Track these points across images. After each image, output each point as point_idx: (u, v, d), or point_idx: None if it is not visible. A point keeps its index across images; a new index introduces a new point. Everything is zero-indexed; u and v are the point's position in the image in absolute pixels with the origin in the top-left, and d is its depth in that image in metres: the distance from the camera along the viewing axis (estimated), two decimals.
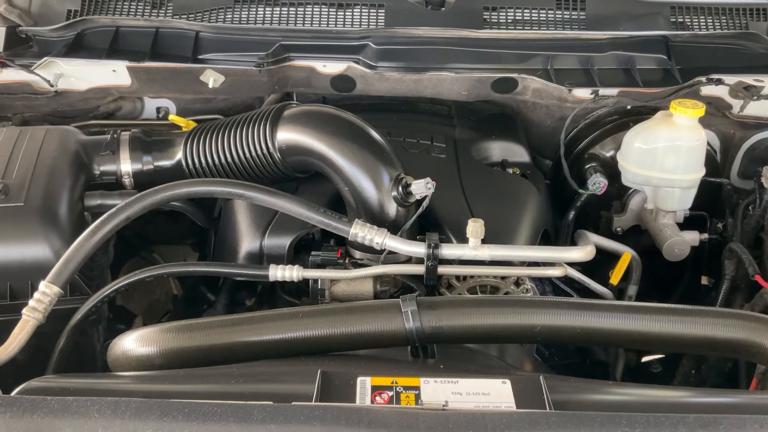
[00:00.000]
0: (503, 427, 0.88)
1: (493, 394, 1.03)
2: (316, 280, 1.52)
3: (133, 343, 1.19)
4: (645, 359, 2.03)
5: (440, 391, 1.03)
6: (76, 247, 1.33)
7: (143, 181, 1.68)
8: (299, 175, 1.66)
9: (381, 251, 1.50)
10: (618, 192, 1.98)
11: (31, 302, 1.26)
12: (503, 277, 1.58)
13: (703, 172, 1.84)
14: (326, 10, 1.97)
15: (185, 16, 1.96)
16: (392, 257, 1.53)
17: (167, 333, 1.18)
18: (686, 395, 1.12)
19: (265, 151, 1.59)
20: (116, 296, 1.65)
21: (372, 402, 1.00)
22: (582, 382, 1.12)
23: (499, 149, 1.97)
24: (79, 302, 1.39)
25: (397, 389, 1.03)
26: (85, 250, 1.33)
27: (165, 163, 1.69)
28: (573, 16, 1.99)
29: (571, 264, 1.59)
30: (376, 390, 1.02)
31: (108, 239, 1.43)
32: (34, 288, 1.29)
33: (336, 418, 0.89)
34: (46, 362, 1.33)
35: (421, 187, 1.48)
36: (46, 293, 1.27)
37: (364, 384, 1.03)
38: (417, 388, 1.03)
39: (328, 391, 1.01)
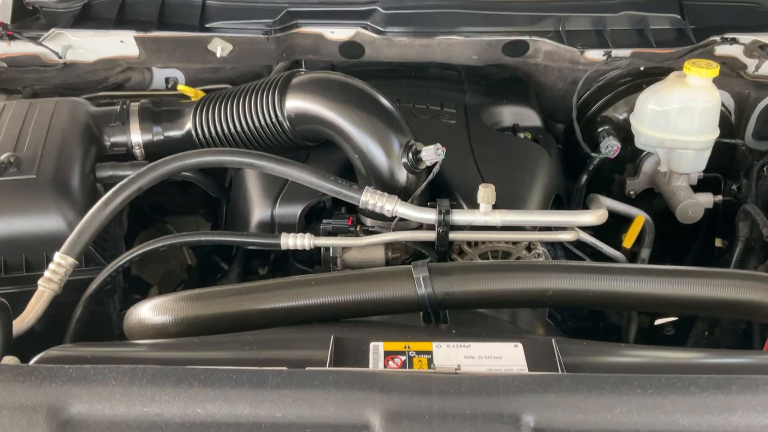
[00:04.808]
0: (515, 390, 0.89)
1: (506, 357, 1.03)
2: (327, 248, 1.53)
3: (149, 311, 1.21)
4: (658, 322, 2.03)
5: (452, 356, 1.03)
6: (89, 218, 1.34)
7: (154, 151, 1.68)
8: (309, 144, 1.66)
9: (392, 218, 1.49)
10: (631, 155, 1.96)
11: (47, 273, 1.27)
12: (515, 243, 1.57)
13: (717, 133, 1.82)
14: None
15: None
16: (403, 224, 1.53)
17: (182, 302, 1.19)
18: (699, 356, 1.12)
19: (274, 119, 1.58)
20: (131, 266, 1.67)
21: (385, 366, 1.01)
22: (594, 345, 1.12)
23: (510, 114, 1.95)
24: (95, 273, 1.40)
25: (410, 354, 1.03)
26: (98, 221, 1.34)
27: (175, 133, 1.70)
28: None
29: (584, 228, 1.59)
30: (389, 355, 1.03)
31: (121, 210, 1.44)
32: (49, 259, 1.30)
33: (350, 383, 0.90)
34: (63, 332, 1.34)
35: (431, 154, 1.47)
36: (61, 264, 1.28)
37: (377, 349, 1.04)
38: (429, 352, 1.04)
39: (342, 356, 1.02)
